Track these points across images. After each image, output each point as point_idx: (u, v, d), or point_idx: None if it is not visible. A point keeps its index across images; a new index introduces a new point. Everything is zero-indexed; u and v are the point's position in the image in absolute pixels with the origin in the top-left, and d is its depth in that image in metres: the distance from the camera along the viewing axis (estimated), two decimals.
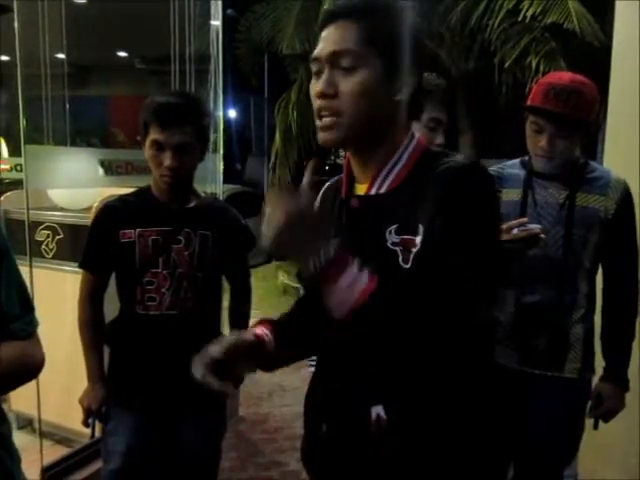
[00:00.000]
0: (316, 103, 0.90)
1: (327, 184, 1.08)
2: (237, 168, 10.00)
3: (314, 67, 0.91)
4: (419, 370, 0.84)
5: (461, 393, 0.87)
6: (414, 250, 0.84)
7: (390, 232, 0.86)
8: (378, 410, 0.85)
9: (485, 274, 0.84)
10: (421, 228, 0.84)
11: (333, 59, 0.88)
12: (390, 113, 0.89)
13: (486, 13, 5.86)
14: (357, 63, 0.86)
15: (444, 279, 0.81)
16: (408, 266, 0.84)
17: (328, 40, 0.89)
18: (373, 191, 0.92)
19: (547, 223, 1.53)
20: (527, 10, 5.49)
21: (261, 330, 0.97)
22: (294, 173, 6.57)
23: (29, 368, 0.96)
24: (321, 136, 0.91)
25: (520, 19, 5.57)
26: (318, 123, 0.90)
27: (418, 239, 0.84)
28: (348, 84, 0.87)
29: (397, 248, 0.85)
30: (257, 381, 2.78)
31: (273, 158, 6.64)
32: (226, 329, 1.84)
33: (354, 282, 0.78)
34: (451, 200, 0.83)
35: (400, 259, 0.85)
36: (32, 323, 0.98)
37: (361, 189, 0.95)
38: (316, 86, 0.89)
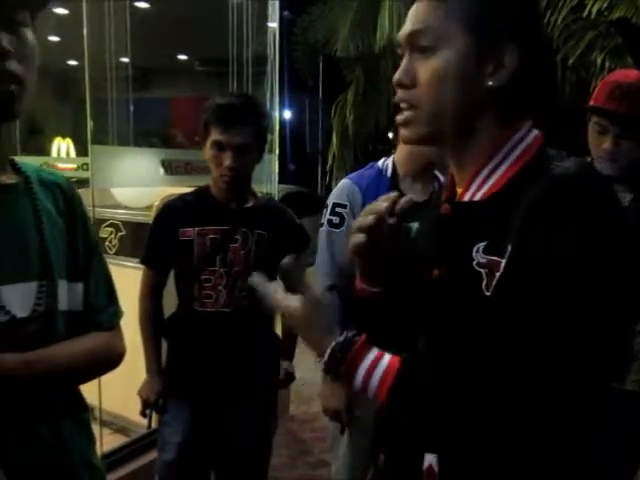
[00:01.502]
0: (397, 95, 0.77)
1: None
2: (290, 168, 10.10)
3: (399, 52, 0.78)
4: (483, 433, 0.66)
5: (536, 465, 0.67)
6: (497, 274, 0.68)
7: (478, 250, 0.71)
8: (432, 460, 0.74)
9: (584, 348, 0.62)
10: (509, 249, 0.67)
11: (412, 41, 0.75)
12: (481, 102, 0.73)
13: (549, 8, 5.66)
14: (437, 43, 0.72)
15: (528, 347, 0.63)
16: (489, 294, 0.69)
17: (409, 19, 0.76)
18: (467, 197, 0.76)
19: None
20: (592, 6, 5.28)
21: None
22: None
23: (110, 359, 0.97)
24: (400, 133, 0.80)
25: (585, 15, 5.36)
26: (397, 118, 0.78)
27: (503, 262, 0.67)
28: (426, 70, 0.73)
29: (483, 270, 0.70)
30: (307, 381, 2.82)
31: (330, 160, 6.61)
32: (279, 328, 1.86)
33: (369, 377, 0.70)
34: (536, 227, 0.64)
35: (484, 284, 0.69)
36: (116, 315, 1.01)
37: (459, 193, 0.80)
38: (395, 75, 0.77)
